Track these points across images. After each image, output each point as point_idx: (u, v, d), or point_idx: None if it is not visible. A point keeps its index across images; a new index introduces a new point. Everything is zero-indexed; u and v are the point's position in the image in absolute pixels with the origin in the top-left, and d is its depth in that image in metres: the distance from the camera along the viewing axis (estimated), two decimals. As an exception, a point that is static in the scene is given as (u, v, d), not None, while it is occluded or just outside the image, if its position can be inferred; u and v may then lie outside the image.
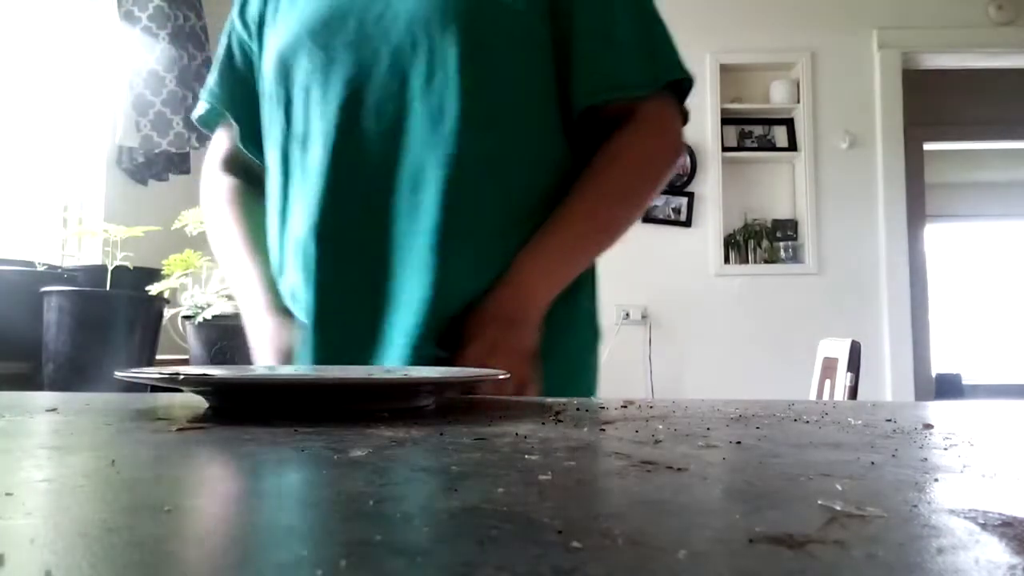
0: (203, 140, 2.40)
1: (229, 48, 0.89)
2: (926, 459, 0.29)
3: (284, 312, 0.81)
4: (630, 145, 0.78)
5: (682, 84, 0.83)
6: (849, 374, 1.62)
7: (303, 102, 0.78)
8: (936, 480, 0.25)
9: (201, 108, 0.92)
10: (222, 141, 0.92)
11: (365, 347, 0.75)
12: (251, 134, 0.86)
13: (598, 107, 0.79)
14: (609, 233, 0.79)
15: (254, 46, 0.86)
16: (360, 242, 0.75)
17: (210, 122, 0.93)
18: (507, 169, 0.76)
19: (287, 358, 0.80)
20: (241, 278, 0.84)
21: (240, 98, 0.87)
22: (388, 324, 0.74)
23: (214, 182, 0.91)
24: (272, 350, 0.80)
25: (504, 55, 0.76)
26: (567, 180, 0.78)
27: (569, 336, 0.80)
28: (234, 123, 0.87)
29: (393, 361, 0.74)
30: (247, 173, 0.89)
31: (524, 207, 0.77)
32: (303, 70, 0.77)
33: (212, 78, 0.90)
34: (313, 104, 0.77)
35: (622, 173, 0.78)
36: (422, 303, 0.73)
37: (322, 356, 0.76)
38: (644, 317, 3.17)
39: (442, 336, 0.73)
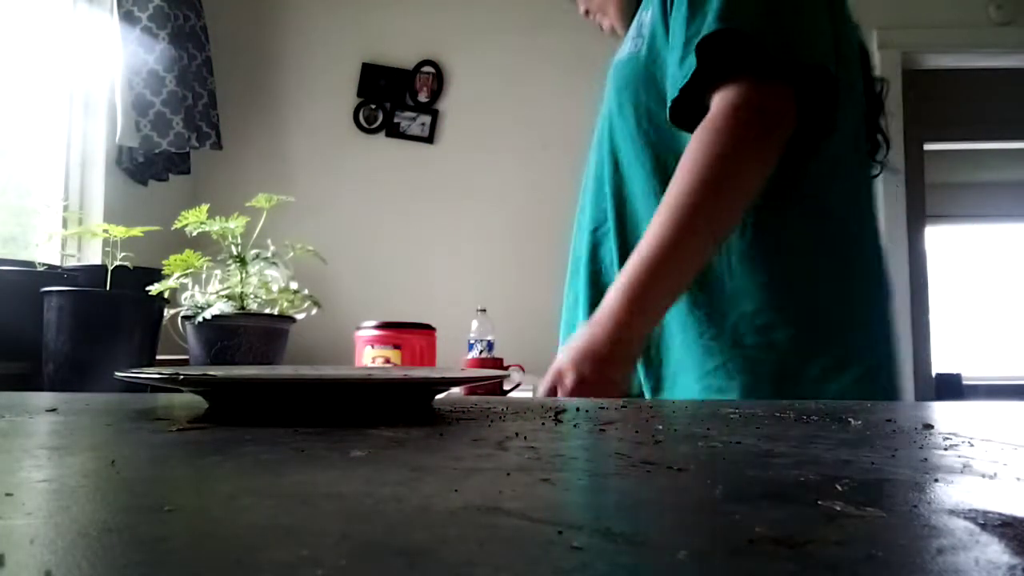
0: (203, 140, 2.40)
1: None
2: (926, 459, 0.29)
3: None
4: (689, 149, 0.77)
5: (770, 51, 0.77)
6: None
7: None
8: (936, 480, 0.25)
9: None
10: None
11: None
12: None
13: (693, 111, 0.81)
14: (689, 246, 0.76)
15: None
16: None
17: None
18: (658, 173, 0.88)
19: None
20: None
21: None
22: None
23: None
24: None
25: (647, 93, 0.88)
26: None
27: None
28: None
29: None
30: None
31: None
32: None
33: None
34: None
35: (683, 179, 0.76)
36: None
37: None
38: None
39: None
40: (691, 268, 0.78)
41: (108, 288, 1.39)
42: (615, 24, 1.04)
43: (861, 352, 0.85)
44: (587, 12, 1.08)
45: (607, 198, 0.93)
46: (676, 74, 0.79)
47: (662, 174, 0.85)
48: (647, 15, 0.89)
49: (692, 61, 0.76)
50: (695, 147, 0.76)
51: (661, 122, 0.85)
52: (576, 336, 0.77)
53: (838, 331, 0.84)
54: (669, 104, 0.80)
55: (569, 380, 0.74)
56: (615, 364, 0.75)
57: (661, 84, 0.84)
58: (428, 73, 2.85)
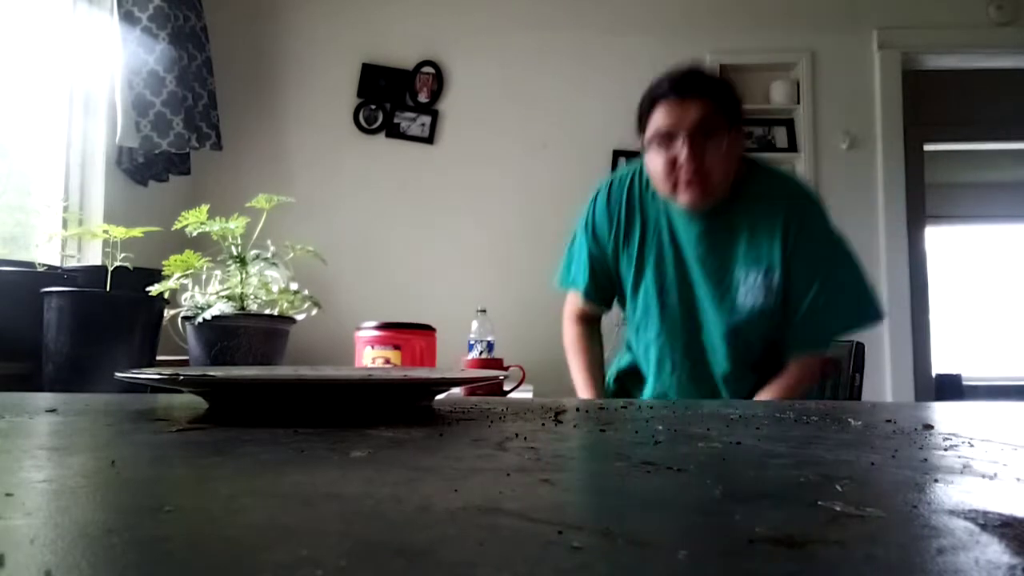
0: (203, 140, 2.40)
1: (584, 248, 1.46)
2: (926, 459, 0.29)
3: None
4: (797, 376, 1.35)
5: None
6: (855, 374, 1.62)
7: (663, 303, 1.40)
8: (936, 480, 0.25)
9: (557, 283, 1.53)
10: (574, 299, 1.51)
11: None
12: (596, 296, 1.46)
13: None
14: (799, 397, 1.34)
15: (604, 253, 1.43)
16: (679, 361, 1.41)
17: (564, 286, 1.53)
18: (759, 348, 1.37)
19: None
20: (583, 387, 1.48)
21: (590, 282, 1.45)
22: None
23: (569, 326, 1.54)
24: None
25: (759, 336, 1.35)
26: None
27: None
28: (583, 294, 1.47)
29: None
30: (588, 319, 1.52)
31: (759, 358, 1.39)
32: (670, 294, 1.39)
33: (567, 266, 1.51)
34: (671, 304, 1.39)
35: (795, 385, 1.33)
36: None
37: None
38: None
39: None
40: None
41: (108, 289, 1.39)
42: (710, 192, 1.28)
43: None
44: (697, 169, 1.25)
45: (724, 353, 1.36)
46: (812, 339, 1.35)
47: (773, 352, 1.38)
48: (774, 276, 1.30)
49: (827, 342, 1.39)
50: (804, 371, 1.35)
51: (776, 333, 1.36)
52: None
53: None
54: (799, 351, 1.34)
55: None
56: None
57: (782, 319, 1.33)
58: (428, 73, 2.85)
